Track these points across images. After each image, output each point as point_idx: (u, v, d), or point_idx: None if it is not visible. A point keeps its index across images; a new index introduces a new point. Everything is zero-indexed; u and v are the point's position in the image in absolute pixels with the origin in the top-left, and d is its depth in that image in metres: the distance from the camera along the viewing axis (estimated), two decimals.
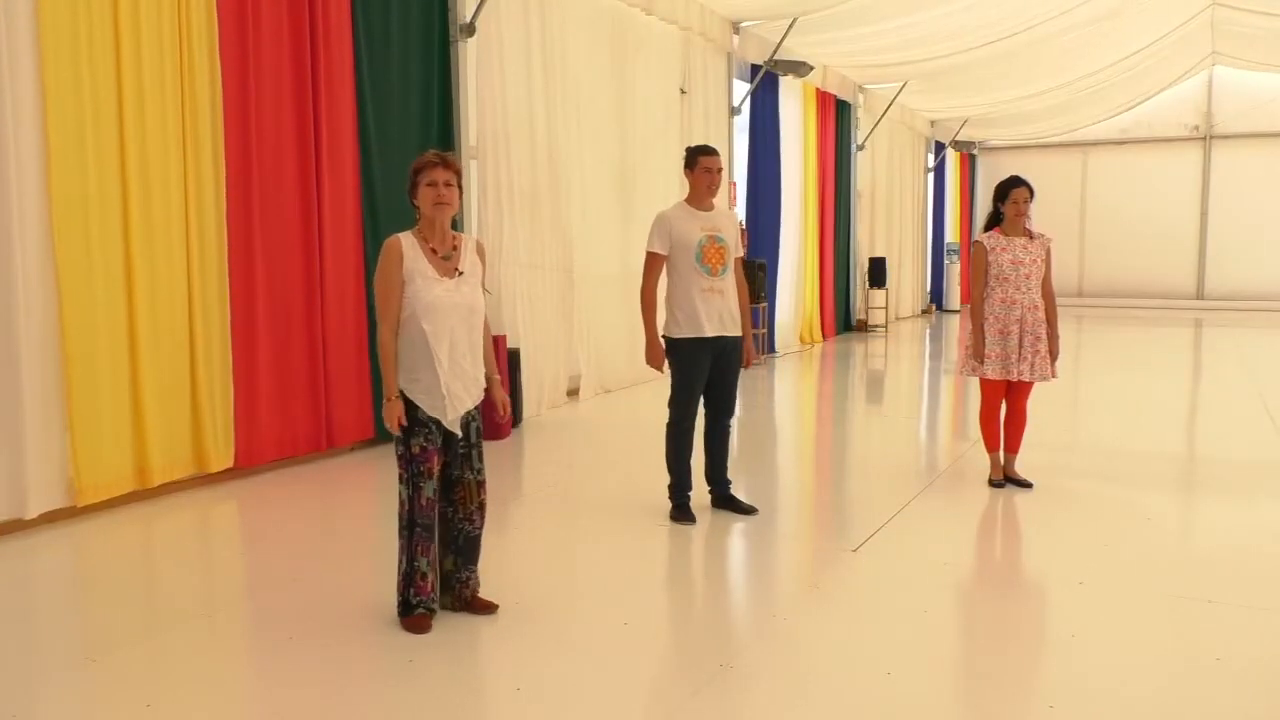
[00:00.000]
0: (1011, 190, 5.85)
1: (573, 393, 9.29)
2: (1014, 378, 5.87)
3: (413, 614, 3.79)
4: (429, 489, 3.77)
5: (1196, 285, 22.08)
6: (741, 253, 5.38)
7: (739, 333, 5.30)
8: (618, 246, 9.91)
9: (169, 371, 5.76)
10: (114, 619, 3.99)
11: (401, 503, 3.80)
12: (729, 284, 5.23)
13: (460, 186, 3.82)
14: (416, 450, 3.74)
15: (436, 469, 3.78)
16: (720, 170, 5.24)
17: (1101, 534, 5.13)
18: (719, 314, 5.18)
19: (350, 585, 4.32)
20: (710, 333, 5.16)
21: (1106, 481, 6.33)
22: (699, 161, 5.20)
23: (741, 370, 5.41)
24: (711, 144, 5.90)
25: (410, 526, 3.79)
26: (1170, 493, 6.24)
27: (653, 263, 5.21)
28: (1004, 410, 6.04)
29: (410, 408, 3.73)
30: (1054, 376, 5.94)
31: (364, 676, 3.43)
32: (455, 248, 3.83)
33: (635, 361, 10.05)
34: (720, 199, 5.40)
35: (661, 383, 5.70)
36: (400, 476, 3.80)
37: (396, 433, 3.73)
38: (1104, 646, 3.67)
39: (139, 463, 5.62)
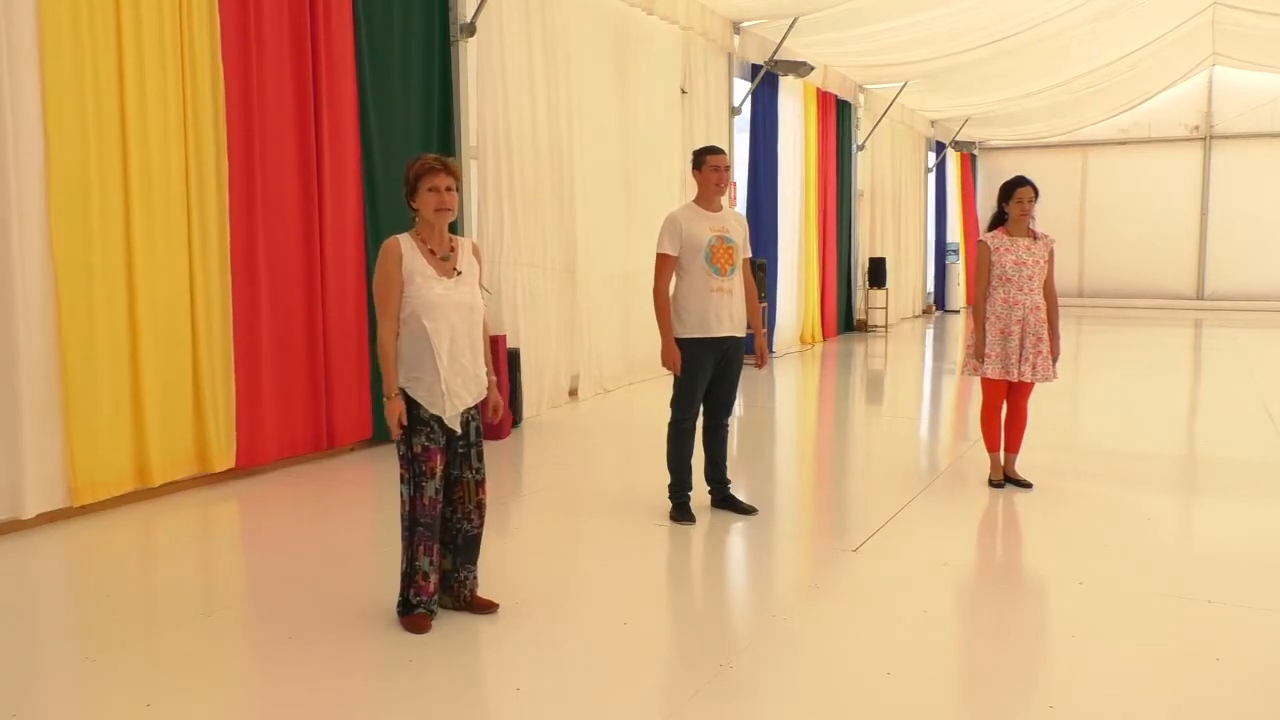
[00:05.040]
0: (1016, 189, 5.85)
1: (572, 393, 9.28)
2: (1015, 378, 5.87)
3: (412, 614, 3.80)
4: (430, 489, 3.77)
5: (1196, 285, 22.05)
6: (750, 253, 5.39)
7: (744, 333, 5.31)
8: (619, 246, 9.89)
9: (170, 371, 5.76)
10: (113, 618, 3.99)
11: (403, 502, 3.81)
12: (737, 284, 5.24)
13: (460, 191, 3.84)
14: (418, 450, 3.75)
15: (439, 469, 3.79)
16: (728, 169, 5.25)
17: (1101, 534, 5.13)
18: (728, 314, 5.19)
19: (350, 585, 4.32)
20: (719, 333, 5.17)
21: (1106, 481, 6.33)
22: (706, 160, 5.20)
23: (742, 370, 5.42)
24: (713, 144, 5.90)
25: (412, 526, 3.79)
26: (1170, 493, 6.23)
27: (663, 264, 5.20)
28: (1004, 410, 6.04)
29: (411, 406, 3.74)
30: (1055, 377, 5.94)
31: (363, 676, 3.43)
32: (453, 249, 3.85)
33: (635, 362, 10.06)
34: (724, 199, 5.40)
35: (661, 383, 5.70)
36: (402, 476, 3.80)
37: (397, 432, 3.73)
38: (1104, 646, 3.67)
39: (139, 462, 5.62)
